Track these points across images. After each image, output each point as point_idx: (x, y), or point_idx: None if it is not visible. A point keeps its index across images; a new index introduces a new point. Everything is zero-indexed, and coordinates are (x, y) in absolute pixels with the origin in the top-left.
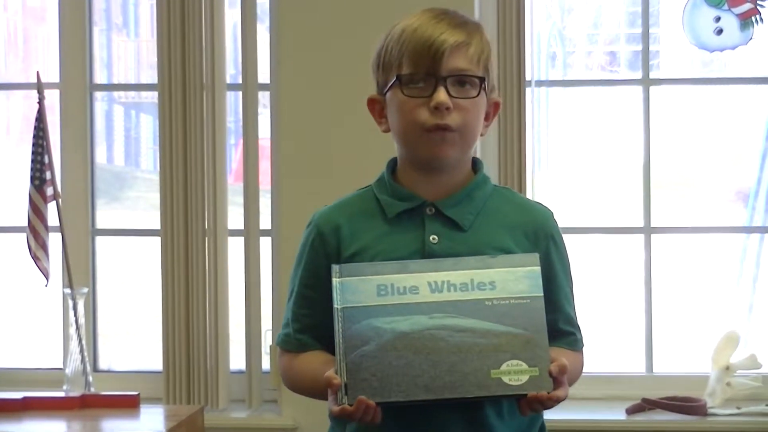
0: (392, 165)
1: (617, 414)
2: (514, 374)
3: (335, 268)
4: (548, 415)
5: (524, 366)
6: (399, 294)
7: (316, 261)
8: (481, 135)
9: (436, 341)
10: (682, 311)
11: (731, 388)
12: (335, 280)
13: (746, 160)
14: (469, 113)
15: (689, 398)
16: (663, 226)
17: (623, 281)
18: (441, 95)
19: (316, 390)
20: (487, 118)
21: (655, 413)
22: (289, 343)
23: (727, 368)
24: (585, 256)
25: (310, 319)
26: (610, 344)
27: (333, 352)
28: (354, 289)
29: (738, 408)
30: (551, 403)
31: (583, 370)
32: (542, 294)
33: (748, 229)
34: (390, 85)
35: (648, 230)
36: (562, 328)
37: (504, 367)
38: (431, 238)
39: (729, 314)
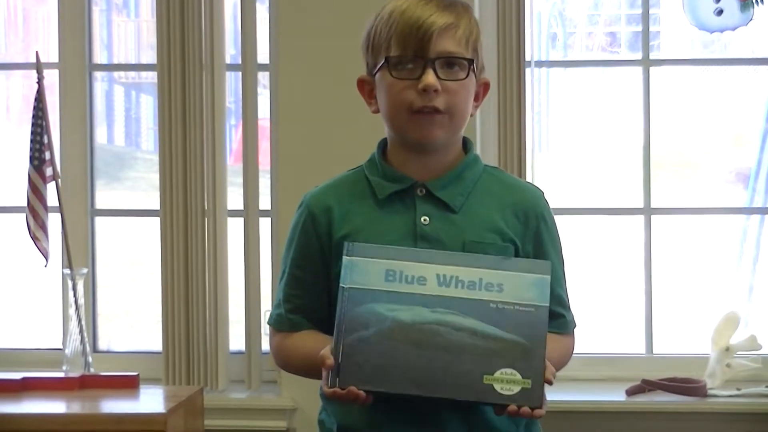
0: (382, 145)
1: (617, 395)
2: (507, 383)
3: (347, 245)
4: (546, 396)
5: (518, 376)
6: (406, 282)
7: (307, 242)
8: (471, 115)
9: (435, 336)
10: (682, 292)
11: (731, 369)
12: (346, 258)
13: (746, 141)
14: (457, 95)
15: (689, 379)
16: (663, 207)
17: (623, 262)
18: (429, 77)
19: (308, 367)
20: (476, 98)
21: (655, 394)
22: (281, 323)
23: (727, 349)
24: (585, 237)
25: (301, 299)
26: (610, 325)
27: (325, 332)
28: (363, 270)
29: (738, 389)
30: (529, 417)
31: (575, 352)
32: (548, 305)
33: (749, 210)
34: (379, 66)
35: (648, 211)
36: (552, 310)
37: (498, 374)
38: (422, 219)
39: (729, 295)
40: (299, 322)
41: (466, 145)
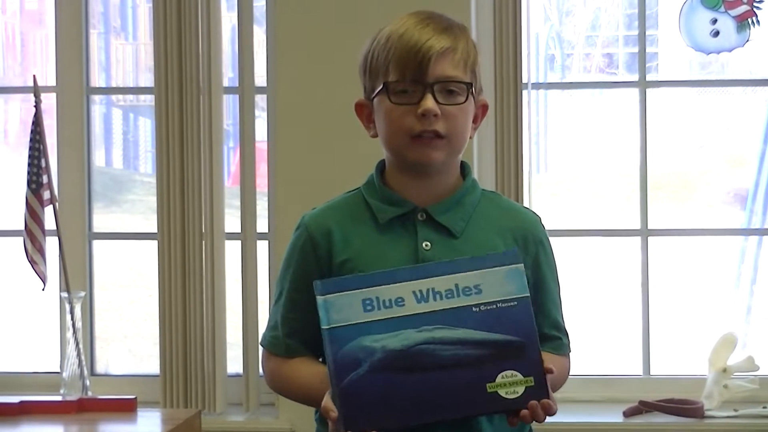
0: (380, 167)
1: (614, 416)
2: (510, 386)
3: (317, 284)
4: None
5: (519, 376)
6: (385, 308)
7: (306, 265)
8: (470, 138)
9: (428, 357)
10: (680, 313)
11: (728, 390)
12: (319, 298)
13: (744, 162)
14: (457, 120)
15: (686, 400)
16: (660, 228)
17: (620, 283)
18: (428, 102)
19: (306, 401)
20: (475, 120)
21: (653, 415)
22: (277, 347)
23: (725, 370)
24: (582, 258)
25: (299, 323)
26: (608, 346)
27: (320, 356)
28: (339, 306)
29: (735, 410)
30: (542, 416)
31: (570, 374)
32: (528, 294)
33: (746, 232)
34: (377, 91)
35: (645, 232)
36: (548, 333)
37: (499, 379)
38: (424, 244)
39: (726, 316)
40: (295, 346)
41: (464, 169)
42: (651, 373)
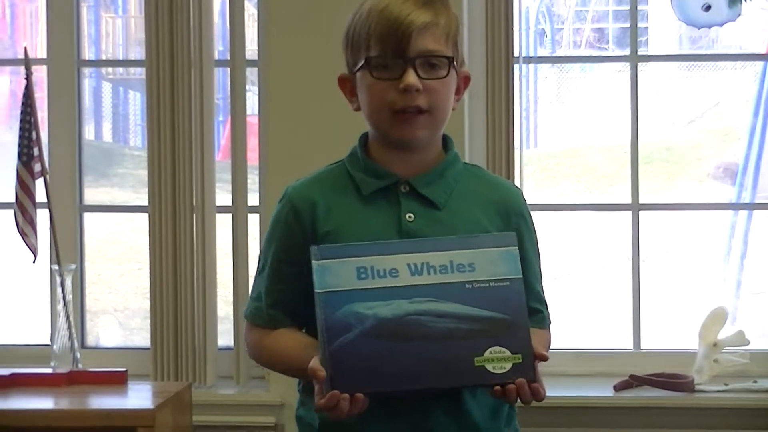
0: (364, 140)
1: (605, 390)
2: (498, 361)
3: (314, 249)
4: None
5: (507, 353)
6: (379, 277)
7: (290, 237)
8: (453, 109)
9: (418, 327)
10: (670, 288)
11: (719, 364)
12: (315, 263)
13: (734, 137)
14: (439, 94)
15: (677, 375)
16: (651, 203)
17: (611, 258)
18: (410, 77)
19: (289, 370)
20: (457, 92)
21: (643, 390)
22: (260, 317)
23: (715, 345)
24: (573, 232)
25: (282, 294)
26: (598, 321)
27: (303, 328)
28: (334, 272)
29: (725, 384)
30: (529, 397)
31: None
32: (521, 276)
33: (736, 206)
34: (359, 66)
35: (636, 207)
36: (531, 306)
37: (487, 354)
38: (407, 216)
39: (716, 291)
40: (278, 317)
41: (446, 142)
42: (641, 348)
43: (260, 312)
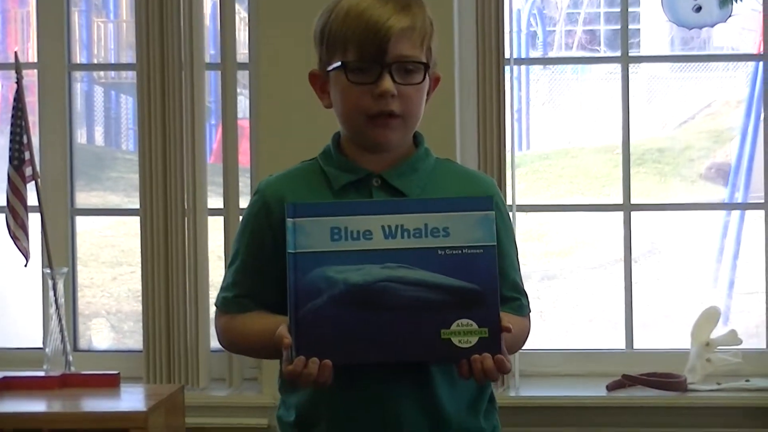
0: (337, 138)
1: (598, 390)
2: (464, 335)
3: (289, 206)
4: (527, 391)
5: (474, 326)
6: (353, 239)
7: (260, 231)
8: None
9: (388, 295)
10: (662, 288)
11: (711, 364)
12: (289, 221)
13: (726, 137)
14: (412, 100)
15: (669, 374)
16: (643, 203)
17: (603, 258)
18: (386, 83)
19: (260, 346)
20: (428, 94)
21: (636, 389)
22: (229, 305)
23: (707, 344)
24: (565, 233)
25: (252, 286)
26: (591, 321)
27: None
28: (307, 231)
29: (718, 384)
30: (494, 374)
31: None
32: (495, 243)
33: (729, 206)
34: (334, 66)
35: (628, 207)
36: (507, 294)
37: (454, 326)
38: None
39: (709, 290)
40: (247, 304)
41: (417, 138)
42: (634, 347)
43: (228, 300)
